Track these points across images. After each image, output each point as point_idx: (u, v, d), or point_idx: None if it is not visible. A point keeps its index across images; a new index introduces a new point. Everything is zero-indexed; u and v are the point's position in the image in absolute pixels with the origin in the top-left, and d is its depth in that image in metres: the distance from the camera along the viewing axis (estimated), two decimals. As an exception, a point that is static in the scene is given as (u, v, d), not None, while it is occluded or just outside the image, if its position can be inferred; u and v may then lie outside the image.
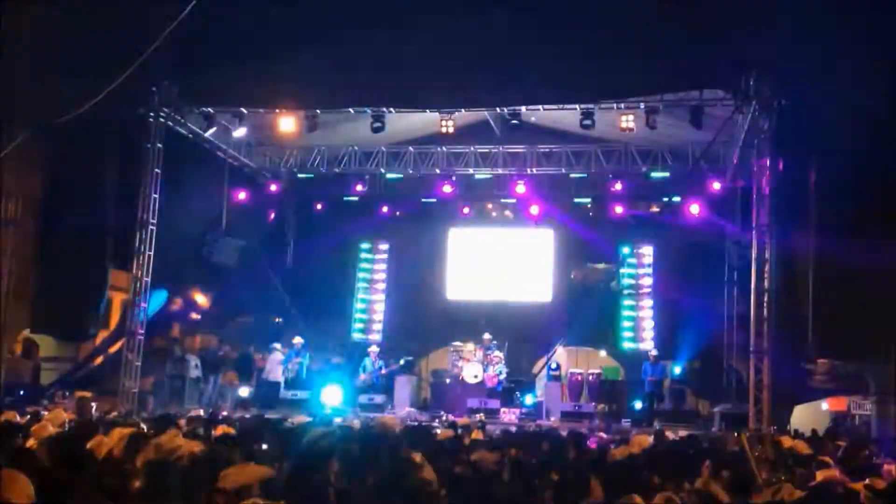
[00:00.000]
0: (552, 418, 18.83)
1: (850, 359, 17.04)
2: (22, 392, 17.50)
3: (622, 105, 16.88)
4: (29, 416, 10.81)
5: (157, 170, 17.48)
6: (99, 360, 18.88)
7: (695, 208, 20.18)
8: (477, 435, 11.01)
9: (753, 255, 15.79)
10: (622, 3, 15.38)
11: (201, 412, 15.25)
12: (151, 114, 17.43)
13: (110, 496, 5.19)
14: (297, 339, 20.80)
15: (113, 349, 18.43)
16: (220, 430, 9.95)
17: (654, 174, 20.23)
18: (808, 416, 17.69)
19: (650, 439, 11.18)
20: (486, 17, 15.98)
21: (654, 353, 20.11)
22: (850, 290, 15.39)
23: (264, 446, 7.92)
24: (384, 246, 24.23)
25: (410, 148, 20.85)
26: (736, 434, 14.68)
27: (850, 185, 15.27)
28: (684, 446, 10.97)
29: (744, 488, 6.17)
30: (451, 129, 17.85)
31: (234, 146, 20.18)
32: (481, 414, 17.95)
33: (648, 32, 15.15)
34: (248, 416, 15.40)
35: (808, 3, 14.54)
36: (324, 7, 16.14)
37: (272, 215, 23.30)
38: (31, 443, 7.73)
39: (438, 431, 11.83)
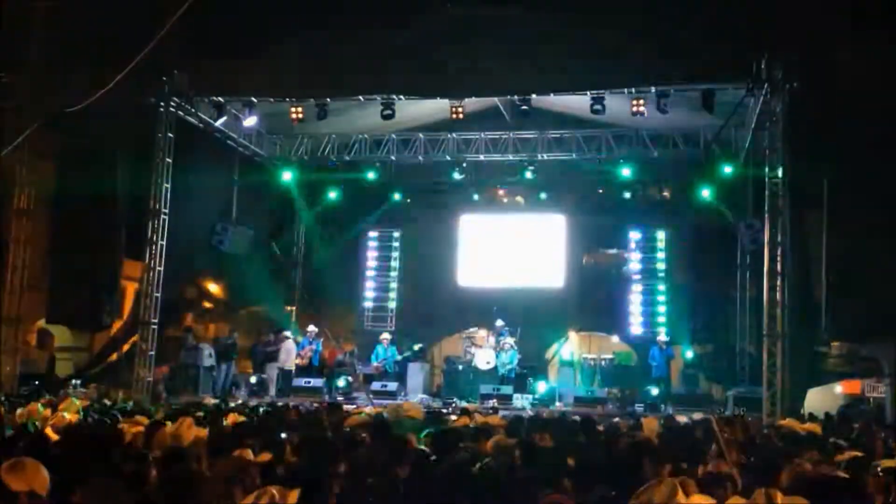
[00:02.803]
0: (560, 404, 18.81)
1: (863, 341, 17.02)
2: (38, 382, 17.63)
3: (633, 90, 16.79)
4: (51, 409, 10.87)
5: (168, 159, 17.51)
6: (114, 356, 18.96)
7: (707, 192, 20.11)
8: (496, 420, 10.95)
9: (766, 239, 15.72)
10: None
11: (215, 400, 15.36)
12: (162, 103, 17.45)
13: (129, 484, 5.24)
14: (311, 328, 20.87)
15: (126, 346, 18.48)
16: (231, 418, 9.99)
17: (666, 158, 20.14)
18: (822, 399, 17.65)
19: (660, 423, 11.18)
20: (495, 4, 15.98)
21: (661, 338, 20.12)
22: (863, 272, 15.36)
23: (283, 435, 7.93)
24: (395, 233, 24.23)
25: (420, 135, 20.81)
26: (749, 419, 14.72)
27: (863, 167, 15.21)
28: (694, 430, 10.95)
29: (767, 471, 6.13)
30: (461, 116, 17.83)
31: (245, 135, 20.20)
32: (494, 400, 17.99)
33: (660, 20, 15.10)
34: (263, 404, 15.47)
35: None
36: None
37: (282, 203, 23.35)
38: (48, 432, 7.80)
39: (453, 418, 11.87)
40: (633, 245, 22.70)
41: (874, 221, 15.21)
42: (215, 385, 19.43)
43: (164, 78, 17.28)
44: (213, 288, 21.40)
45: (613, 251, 22.56)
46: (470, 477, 5.61)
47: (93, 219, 18.00)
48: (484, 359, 20.23)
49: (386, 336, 21.27)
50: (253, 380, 20.21)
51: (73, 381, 17.75)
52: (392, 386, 19.54)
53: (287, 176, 22.02)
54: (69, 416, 8.85)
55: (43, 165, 18.37)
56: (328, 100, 17.69)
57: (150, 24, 14.65)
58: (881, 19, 14.52)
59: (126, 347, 18.57)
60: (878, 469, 6.04)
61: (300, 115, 18.08)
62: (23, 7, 17.26)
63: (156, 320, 17.34)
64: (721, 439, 6.91)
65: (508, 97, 18.33)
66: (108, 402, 13.70)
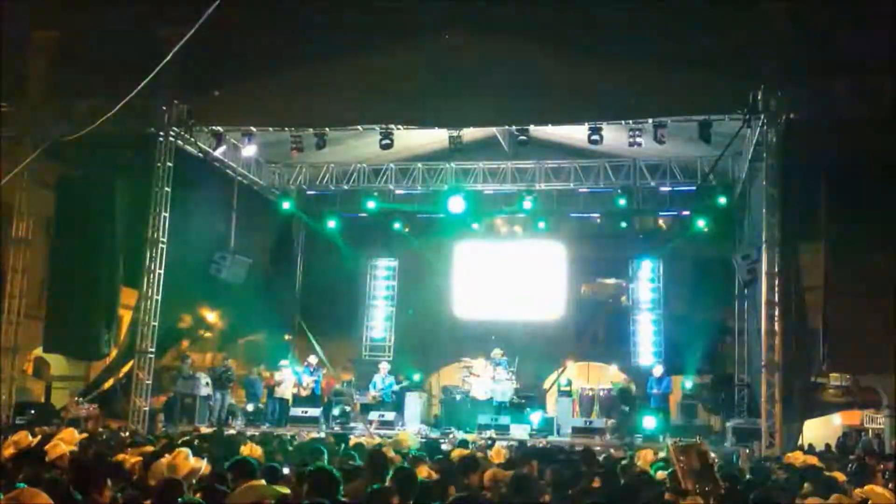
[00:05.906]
0: (560, 435, 18.72)
1: (862, 372, 16.98)
2: (33, 412, 17.53)
3: (630, 121, 16.88)
4: (41, 437, 10.81)
5: (166, 188, 17.55)
6: (110, 382, 18.86)
7: (704, 222, 20.16)
8: (498, 457, 10.77)
9: (763, 269, 15.74)
10: (631, 23, 15.48)
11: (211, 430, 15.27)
12: (161, 133, 17.52)
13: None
14: (312, 358, 20.75)
15: (122, 372, 18.39)
16: (248, 448, 9.94)
17: (663, 189, 20.23)
18: (822, 430, 17.60)
19: (657, 454, 11.10)
20: (494, 36, 16.11)
21: (657, 368, 20.03)
22: (861, 302, 15.35)
23: (285, 471, 7.86)
24: (394, 262, 24.22)
25: (419, 164, 20.90)
26: (748, 451, 14.68)
27: (859, 196, 15.25)
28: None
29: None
30: (459, 146, 17.93)
31: (244, 164, 20.27)
32: (492, 430, 17.90)
33: (658, 52, 15.23)
34: (258, 433, 15.40)
35: (812, 17, 14.63)
36: (332, 26, 16.28)
37: (281, 233, 23.37)
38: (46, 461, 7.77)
39: (451, 448, 11.79)
40: (631, 275, 22.69)
41: (871, 251, 15.22)
42: (211, 414, 19.35)
43: (164, 107, 17.38)
44: (211, 317, 21.33)
45: (612, 281, 22.56)
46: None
47: (91, 248, 17.97)
48: (482, 388, 20.13)
49: (384, 365, 21.19)
50: (250, 407, 20.15)
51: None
52: (389, 415, 19.45)
53: (286, 205, 22.05)
54: (64, 447, 8.78)
55: (42, 194, 18.41)
56: (327, 129, 17.77)
57: (149, 54, 14.71)
58: (875, 51, 14.64)
59: (120, 375, 18.46)
60: None
61: (299, 145, 18.17)
62: (23, 37, 17.37)
63: (152, 349, 17.30)
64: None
65: (507, 127, 18.42)
66: (107, 433, 13.62)
